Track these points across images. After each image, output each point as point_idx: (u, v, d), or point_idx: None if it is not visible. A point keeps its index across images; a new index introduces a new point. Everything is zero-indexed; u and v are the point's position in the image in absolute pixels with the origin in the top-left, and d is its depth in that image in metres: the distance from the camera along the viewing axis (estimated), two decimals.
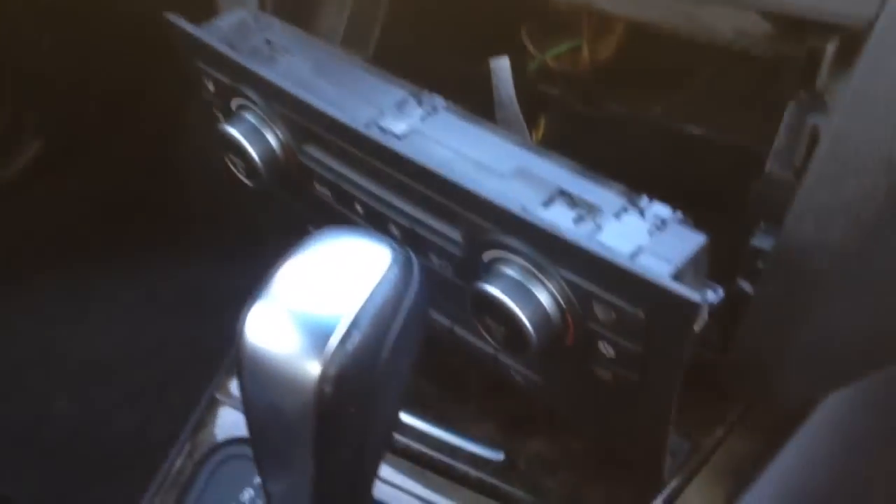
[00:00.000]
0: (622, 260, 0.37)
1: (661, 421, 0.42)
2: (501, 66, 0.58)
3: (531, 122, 0.68)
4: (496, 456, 0.56)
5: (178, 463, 0.60)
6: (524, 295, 0.40)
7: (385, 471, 0.56)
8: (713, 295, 0.39)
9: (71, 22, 1.06)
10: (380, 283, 0.38)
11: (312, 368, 0.37)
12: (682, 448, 0.53)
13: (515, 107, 0.58)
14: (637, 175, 0.63)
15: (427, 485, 0.56)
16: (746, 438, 0.54)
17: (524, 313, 0.40)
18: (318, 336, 0.37)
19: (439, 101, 0.48)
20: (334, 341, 0.37)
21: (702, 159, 0.60)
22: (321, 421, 0.38)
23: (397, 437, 0.57)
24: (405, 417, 0.59)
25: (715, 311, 0.39)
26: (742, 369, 0.46)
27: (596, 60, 0.66)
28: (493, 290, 0.41)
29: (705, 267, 0.39)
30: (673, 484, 0.52)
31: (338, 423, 0.39)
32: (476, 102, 0.63)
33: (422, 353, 0.41)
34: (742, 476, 0.52)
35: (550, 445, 0.56)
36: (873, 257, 0.39)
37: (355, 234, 0.40)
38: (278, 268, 0.40)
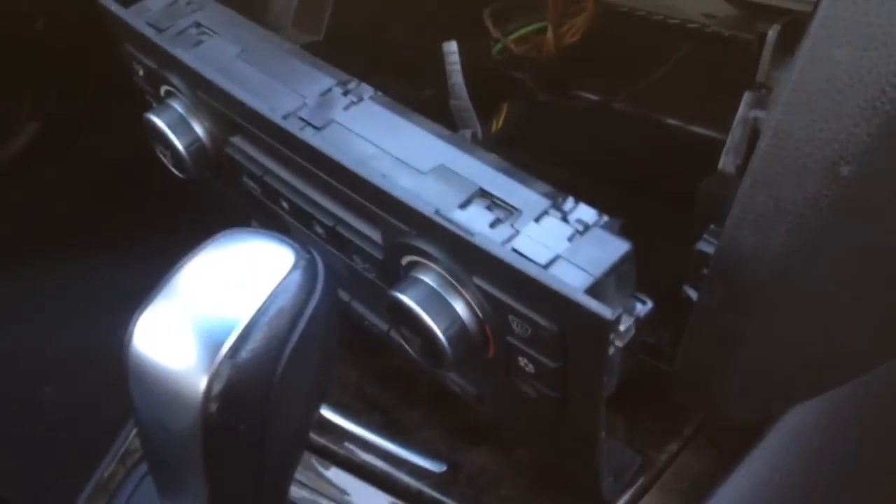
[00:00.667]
0: (534, 270, 0.33)
1: (590, 440, 0.39)
2: (451, 51, 0.55)
3: (494, 109, 0.65)
4: (438, 468, 0.53)
5: (111, 468, 0.58)
6: (439, 305, 0.37)
7: (319, 481, 0.54)
8: (641, 307, 0.36)
9: (65, 2, 1.04)
10: (277, 290, 0.35)
11: (198, 384, 0.34)
12: (632, 463, 0.50)
13: (465, 95, 0.55)
14: (600, 164, 0.60)
15: (361, 495, 0.53)
16: (702, 454, 0.51)
17: (437, 324, 0.37)
18: (205, 348, 0.34)
19: (367, 90, 0.44)
20: (222, 354, 0.34)
21: (668, 149, 0.57)
22: (209, 441, 0.35)
23: (333, 444, 0.55)
24: (345, 424, 0.56)
25: (644, 323, 0.36)
26: (687, 381, 0.42)
27: (561, 45, 0.62)
28: (406, 298, 0.38)
29: (632, 277, 0.35)
30: (622, 501, 0.49)
31: (229, 442, 0.36)
32: (437, 87, 0.60)
33: (331, 365, 0.38)
34: (696, 494, 0.49)
35: (494, 457, 0.53)
36: (818, 269, 0.36)
37: (256, 235, 0.37)
38: (172, 272, 0.37)
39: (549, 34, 0.62)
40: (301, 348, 0.36)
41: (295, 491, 0.54)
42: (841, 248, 0.35)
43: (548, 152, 0.61)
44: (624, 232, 0.36)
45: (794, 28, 0.35)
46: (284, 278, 0.35)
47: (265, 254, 0.36)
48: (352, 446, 0.55)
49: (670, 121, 0.57)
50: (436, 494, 0.52)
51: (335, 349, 0.39)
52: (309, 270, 0.36)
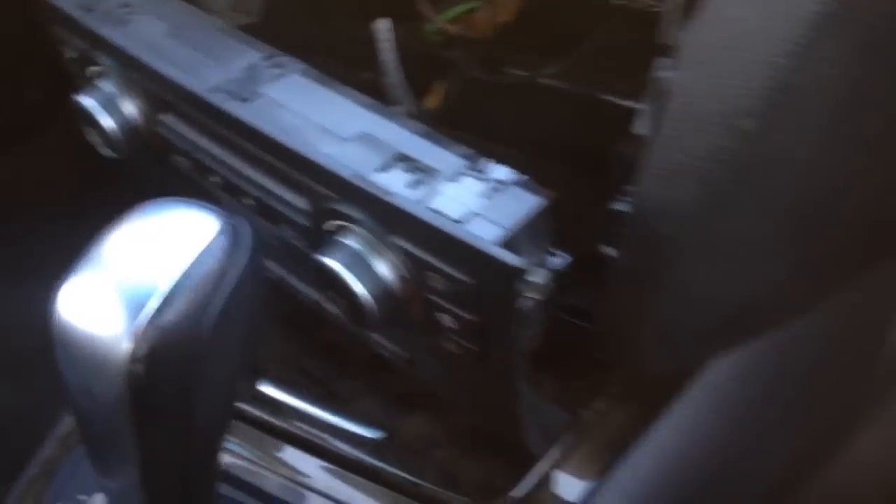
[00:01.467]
0: (448, 225, 0.34)
1: (512, 393, 0.40)
2: (383, 29, 0.55)
3: (427, 88, 0.66)
4: (375, 434, 0.53)
5: (50, 450, 0.57)
6: (362, 266, 0.38)
7: (256, 452, 0.54)
8: (558, 261, 0.37)
9: None
10: (201, 255, 0.35)
11: (123, 347, 0.34)
12: (560, 420, 0.51)
13: (397, 72, 0.56)
14: (532, 138, 0.61)
15: (300, 465, 0.54)
16: (627, 410, 0.52)
17: (361, 285, 0.38)
18: (129, 312, 0.34)
19: (292, 63, 0.45)
20: (146, 317, 0.34)
21: (594, 120, 0.58)
22: (137, 404, 0.35)
23: (273, 417, 0.55)
24: (284, 397, 0.56)
25: (560, 277, 0.37)
26: (608, 337, 0.43)
27: (495, 24, 0.63)
28: (330, 261, 0.38)
29: (547, 232, 0.36)
30: (549, 457, 0.50)
31: (156, 405, 0.36)
32: (375, 70, 0.60)
33: (258, 329, 0.39)
34: (622, 447, 0.50)
35: (430, 423, 0.54)
36: (724, 220, 0.37)
37: (181, 204, 0.37)
38: (96, 242, 0.37)
39: (483, 13, 0.62)
40: (227, 311, 0.36)
41: (234, 462, 0.54)
42: (745, 200, 0.37)
43: (482, 128, 0.62)
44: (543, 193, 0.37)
45: None
46: (209, 243, 0.35)
47: (190, 221, 0.36)
48: (291, 418, 0.55)
49: (596, 94, 0.58)
50: (373, 460, 0.53)
51: (262, 315, 0.39)
52: (234, 236, 0.36)
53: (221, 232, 0.36)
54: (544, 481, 0.51)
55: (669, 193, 0.37)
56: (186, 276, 0.35)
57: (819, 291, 0.49)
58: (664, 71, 0.38)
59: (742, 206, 0.37)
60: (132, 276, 0.35)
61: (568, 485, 0.52)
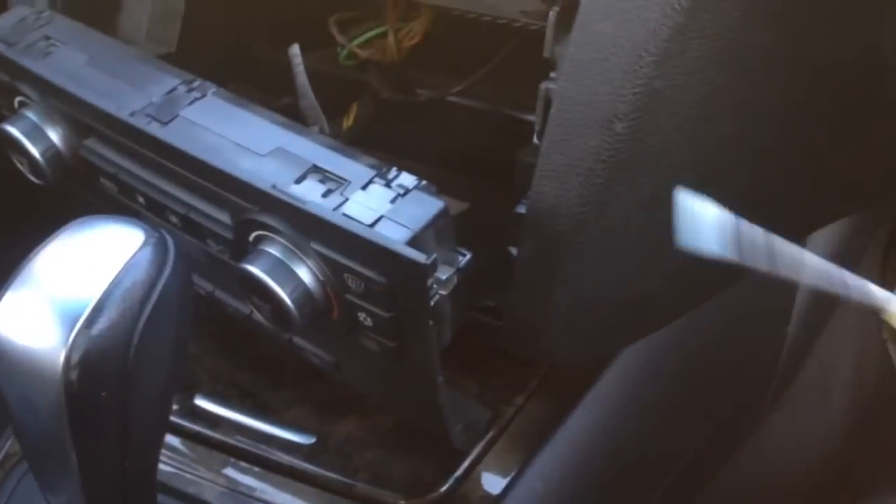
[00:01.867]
0: (360, 229, 0.38)
1: (432, 388, 0.43)
2: (294, 53, 0.59)
3: (345, 111, 0.69)
4: (307, 440, 0.56)
5: None
6: (283, 272, 0.41)
7: (194, 464, 0.56)
8: (462, 258, 0.41)
9: None
10: (128, 266, 0.38)
11: (57, 356, 0.36)
12: (483, 416, 0.54)
13: (310, 94, 0.59)
14: (440, 153, 0.65)
15: (237, 474, 0.56)
16: (545, 404, 0.56)
17: (283, 289, 0.41)
18: (62, 323, 0.37)
19: (209, 87, 0.48)
20: (78, 326, 0.36)
21: (497, 134, 0.62)
22: (74, 411, 0.37)
23: (207, 430, 0.57)
24: (218, 410, 0.58)
25: (465, 275, 0.41)
26: (516, 332, 0.47)
27: (403, 48, 0.67)
28: (253, 268, 0.41)
29: (450, 232, 0.40)
30: (473, 453, 0.54)
31: (92, 411, 0.38)
32: (293, 96, 0.63)
33: (187, 336, 0.41)
34: (541, 439, 0.54)
35: (360, 425, 0.56)
36: (609, 218, 0.41)
37: (107, 220, 0.40)
38: (28, 259, 0.39)
39: (390, 38, 0.66)
40: (156, 318, 0.38)
41: (174, 472, 0.56)
42: (625, 197, 0.41)
43: (395, 146, 0.65)
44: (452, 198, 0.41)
45: (573, 10, 0.40)
46: (135, 254, 0.38)
47: (115, 235, 0.39)
48: (226, 430, 0.58)
49: (500, 109, 0.62)
50: (306, 465, 0.55)
51: (189, 323, 0.41)
52: (159, 247, 0.39)
53: (146, 243, 0.38)
54: (470, 475, 0.55)
55: (559, 193, 0.41)
56: (115, 285, 0.37)
57: (713, 283, 0.53)
58: (548, 83, 0.43)
59: (623, 203, 0.41)
60: (63, 289, 0.37)
61: (491, 478, 0.55)
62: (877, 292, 0.31)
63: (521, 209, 0.45)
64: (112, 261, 0.38)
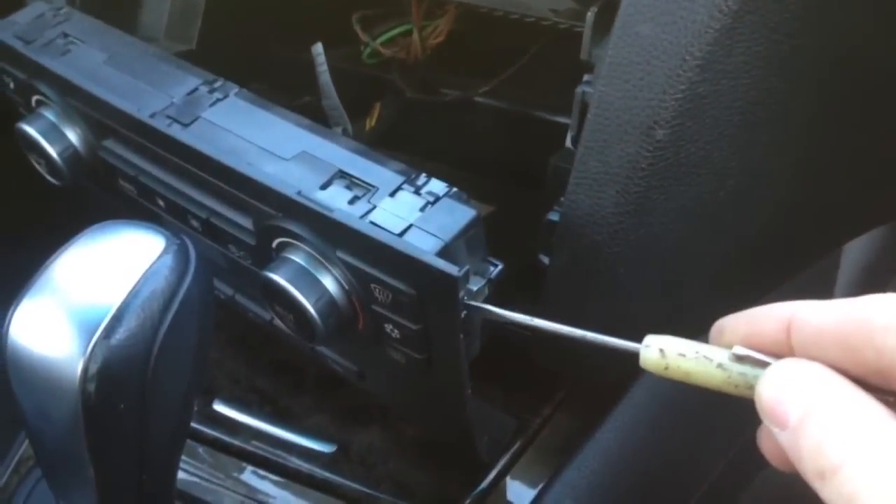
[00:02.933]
0: (388, 238, 0.36)
1: (459, 401, 0.42)
2: (318, 52, 0.57)
3: (367, 110, 0.68)
4: (328, 448, 0.55)
5: (4, 479, 0.57)
6: (307, 281, 0.40)
7: (212, 471, 0.55)
8: (493, 269, 0.39)
9: None
10: (148, 274, 0.37)
11: (75, 367, 0.35)
12: (509, 427, 0.53)
13: (333, 94, 0.58)
14: (467, 156, 0.63)
15: (256, 481, 0.55)
16: (573, 416, 0.55)
17: (307, 299, 0.39)
18: (80, 332, 0.36)
19: (232, 87, 0.46)
20: (96, 336, 0.35)
21: (526, 137, 0.61)
22: (91, 423, 0.36)
23: (226, 436, 0.56)
24: (237, 416, 0.57)
25: (496, 285, 0.39)
26: (544, 344, 0.46)
27: (428, 45, 0.66)
28: (276, 276, 0.40)
29: (481, 241, 0.38)
30: (499, 465, 0.52)
31: (110, 423, 0.37)
32: (314, 94, 0.62)
33: (208, 344, 0.40)
34: (569, 451, 0.53)
35: (382, 435, 0.55)
36: (647, 227, 0.40)
37: (127, 226, 0.39)
38: (45, 265, 0.38)
39: (415, 36, 0.65)
40: (176, 328, 0.37)
41: (191, 480, 0.55)
42: (663, 206, 0.39)
43: (420, 148, 0.64)
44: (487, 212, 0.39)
45: (611, 10, 0.38)
46: (155, 262, 0.37)
47: (136, 241, 0.38)
48: (245, 437, 0.56)
49: (528, 110, 0.61)
50: (326, 474, 0.54)
51: (211, 332, 0.40)
52: (180, 254, 0.38)
53: (167, 250, 0.37)
54: (495, 488, 0.53)
55: (594, 202, 0.39)
56: (134, 294, 0.36)
57: (746, 296, 0.52)
58: (584, 86, 0.41)
59: (660, 212, 0.39)
60: (81, 297, 0.36)
61: (518, 491, 0.54)
62: (626, 343, 0.31)
63: (554, 216, 0.43)
64: (132, 268, 0.37)
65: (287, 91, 0.66)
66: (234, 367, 0.60)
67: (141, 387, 0.37)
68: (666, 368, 0.28)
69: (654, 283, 0.44)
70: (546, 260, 0.45)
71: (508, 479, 0.53)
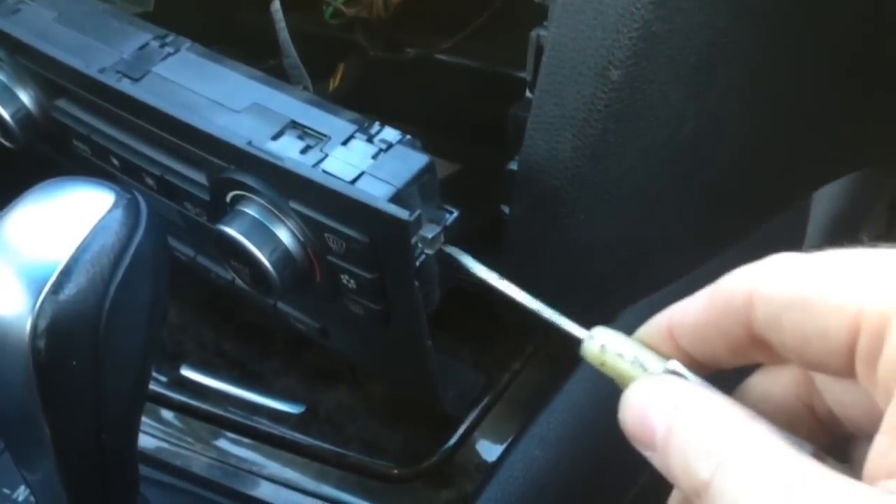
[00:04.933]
0: (339, 185, 0.36)
1: (421, 353, 0.41)
2: (276, 9, 0.56)
3: (331, 71, 0.67)
4: (296, 409, 0.54)
5: None
6: (261, 233, 0.39)
7: (181, 435, 0.55)
8: (448, 216, 0.39)
9: None
10: (97, 228, 0.36)
11: (24, 324, 0.35)
12: (477, 382, 0.53)
13: (293, 52, 0.57)
14: (431, 114, 0.62)
15: (225, 444, 0.54)
16: (542, 369, 0.54)
17: (261, 251, 0.39)
18: (28, 289, 0.35)
19: (183, 42, 0.46)
20: (44, 293, 0.34)
21: (489, 93, 0.60)
22: (43, 380, 0.36)
23: (193, 400, 0.55)
24: (204, 380, 0.57)
25: (452, 233, 0.39)
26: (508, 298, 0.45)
27: (390, 3, 0.64)
28: (229, 230, 0.39)
29: (435, 188, 0.38)
30: (468, 420, 0.52)
31: (63, 380, 0.36)
32: (278, 57, 0.61)
33: (164, 301, 0.39)
34: (537, 405, 0.52)
35: (350, 394, 0.55)
36: (606, 170, 0.39)
37: (75, 182, 0.38)
38: None
39: None
40: (129, 283, 0.36)
41: (160, 446, 0.54)
42: (622, 149, 0.39)
43: (383, 107, 0.63)
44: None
45: None
46: (104, 216, 0.36)
47: (84, 197, 0.37)
48: (212, 400, 0.56)
49: (492, 67, 0.60)
50: (296, 435, 0.54)
51: (167, 288, 0.40)
52: (130, 209, 0.37)
53: (116, 205, 0.36)
54: (464, 444, 0.53)
55: (552, 146, 0.39)
56: (83, 249, 0.35)
57: (711, 245, 0.51)
58: (539, 29, 0.40)
59: (618, 156, 0.39)
60: (29, 254, 0.35)
61: (487, 446, 0.53)
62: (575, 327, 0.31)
63: (514, 165, 0.43)
64: (80, 223, 0.36)
65: (250, 54, 0.65)
66: (201, 332, 0.60)
67: (93, 343, 0.36)
68: (602, 364, 0.28)
69: (615, 230, 0.43)
70: (507, 210, 0.44)
71: (478, 434, 0.52)
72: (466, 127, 0.63)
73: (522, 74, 0.60)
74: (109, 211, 0.36)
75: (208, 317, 0.60)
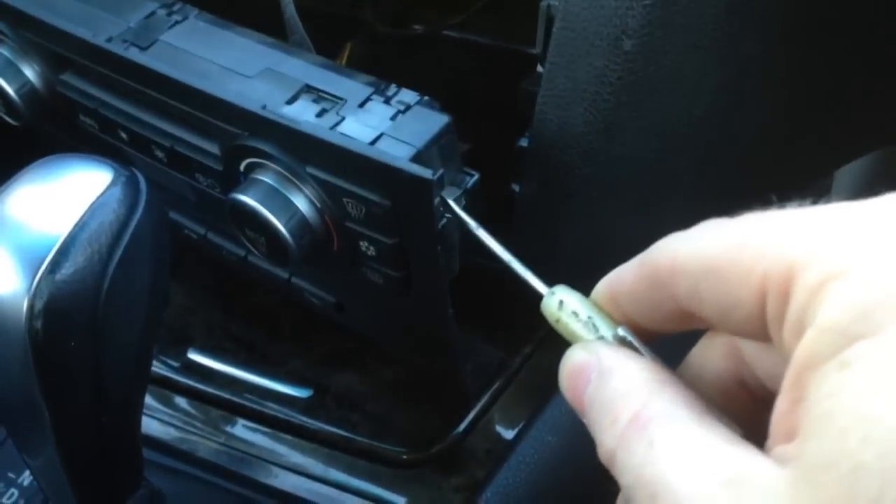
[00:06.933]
0: (358, 147, 0.36)
1: (443, 321, 0.42)
2: None
3: (338, 51, 0.68)
4: (304, 393, 0.55)
5: None
6: (278, 200, 0.40)
7: (188, 419, 0.55)
8: (469, 179, 0.39)
9: None
10: (94, 206, 0.35)
11: (21, 303, 0.34)
12: (492, 359, 0.53)
13: (300, 28, 0.57)
14: (445, 93, 0.63)
15: (232, 429, 0.55)
16: (554, 354, 0.55)
17: (277, 218, 0.39)
18: (24, 268, 0.34)
19: (191, 10, 0.47)
20: (41, 272, 0.34)
21: (503, 70, 0.60)
22: (41, 362, 0.35)
23: (200, 384, 0.56)
24: (211, 363, 0.57)
25: (474, 197, 0.39)
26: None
27: None
28: (244, 197, 0.40)
29: (455, 150, 0.39)
30: (479, 404, 0.53)
31: (61, 362, 0.35)
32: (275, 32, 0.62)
33: (165, 281, 0.39)
34: (549, 388, 0.53)
35: (360, 378, 0.56)
36: (619, 145, 0.40)
37: (73, 159, 0.38)
38: None
39: None
40: (128, 262, 0.36)
41: (166, 430, 0.55)
42: (636, 124, 0.39)
43: (391, 82, 0.63)
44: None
45: None
46: (102, 194, 0.35)
47: (82, 174, 0.36)
48: (219, 384, 0.57)
49: (499, 43, 0.60)
50: (303, 419, 0.54)
51: (167, 268, 0.40)
52: (129, 186, 0.36)
53: (115, 182, 0.36)
54: (476, 428, 0.54)
55: (563, 121, 0.39)
56: (80, 227, 0.34)
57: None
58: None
59: (633, 130, 0.39)
60: (25, 233, 0.34)
61: (499, 430, 0.54)
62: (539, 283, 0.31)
63: (524, 142, 0.43)
64: (78, 201, 0.35)
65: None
66: (209, 316, 0.60)
67: (92, 323, 0.35)
68: (557, 321, 0.28)
69: (629, 206, 0.44)
70: (517, 188, 0.45)
71: (489, 418, 0.53)
72: (476, 105, 0.63)
73: (533, 51, 0.61)
74: (108, 188, 0.36)
75: (216, 300, 0.61)
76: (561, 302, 0.28)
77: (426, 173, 0.34)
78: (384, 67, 0.67)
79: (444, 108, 0.60)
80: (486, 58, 0.62)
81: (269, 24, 0.63)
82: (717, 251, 0.23)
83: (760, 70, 0.44)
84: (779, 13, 0.42)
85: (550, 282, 0.40)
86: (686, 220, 0.49)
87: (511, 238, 0.46)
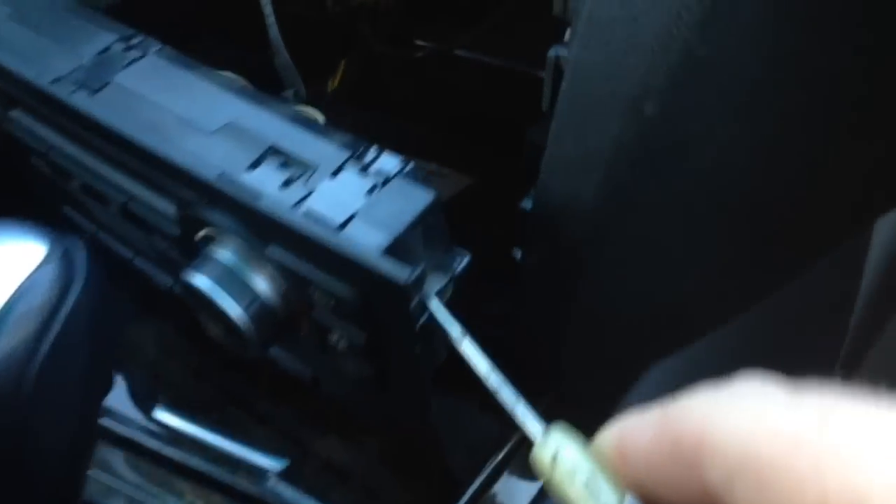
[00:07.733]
0: (325, 234, 0.33)
1: (419, 413, 0.39)
2: (265, 2, 0.53)
3: (332, 67, 0.65)
4: (279, 465, 0.52)
5: None
6: (234, 284, 0.36)
7: (151, 485, 0.52)
8: (458, 261, 0.36)
9: None
10: (23, 289, 0.34)
11: None
12: (487, 435, 0.50)
13: (284, 51, 0.54)
14: (444, 115, 0.59)
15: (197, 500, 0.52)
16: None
17: (234, 304, 0.36)
18: None
19: (152, 45, 0.43)
20: None
21: (513, 95, 0.57)
22: None
23: (166, 448, 0.53)
24: (178, 424, 0.55)
25: (463, 280, 0.36)
26: (522, 350, 0.42)
27: None
28: (197, 280, 0.36)
29: (442, 229, 0.35)
30: (476, 482, 0.49)
31: None
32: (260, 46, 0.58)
33: (109, 360, 0.37)
34: None
35: (342, 447, 0.52)
36: (636, 218, 0.36)
37: (4, 228, 0.36)
38: None
39: None
40: (61, 347, 0.34)
41: (122, 495, 0.52)
42: (655, 194, 0.36)
43: (388, 106, 0.60)
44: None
45: None
46: (32, 274, 0.34)
47: (11, 249, 0.35)
48: (189, 449, 0.54)
49: (511, 65, 0.57)
50: (278, 494, 0.51)
51: (112, 345, 0.38)
52: (65, 262, 0.35)
53: (48, 260, 0.34)
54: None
55: (570, 190, 0.35)
56: (7, 311, 0.33)
57: (756, 291, 0.48)
58: (558, 48, 0.37)
59: (652, 201, 0.36)
60: None
61: None
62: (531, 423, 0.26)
63: (527, 204, 0.40)
64: (5, 281, 0.34)
65: (240, 45, 0.62)
66: (178, 369, 0.57)
67: (20, 409, 0.34)
68: (548, 479, 0.24)
69: (644, 285, 0.40)
70: (519, 255, 0.41)
71: (487, 499, 0.50)
72: (481, 131, 0.60)
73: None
74: (39, 267, 0.34)
75: (186, 352, 0.58)
76: (554, 457, 0.25)
77: (401, 274, 0.31)
78: (381, 87, 0.64)
79: (446, 135, 0.57)
80: (494, 80, 0.59)
81: (255, 37, 0.60)
82: (766, 440, 0.18)
83: (801, 121, 0.40)
84: (829, 63, 0.38)
85: (553, 371, 0.36)
86: (709, 291, 0.46)
87: (513, 312, 0.43)
